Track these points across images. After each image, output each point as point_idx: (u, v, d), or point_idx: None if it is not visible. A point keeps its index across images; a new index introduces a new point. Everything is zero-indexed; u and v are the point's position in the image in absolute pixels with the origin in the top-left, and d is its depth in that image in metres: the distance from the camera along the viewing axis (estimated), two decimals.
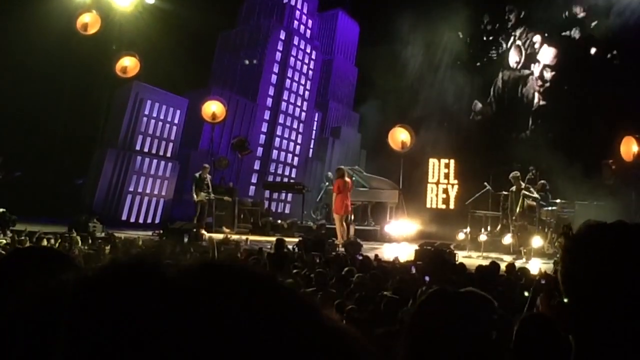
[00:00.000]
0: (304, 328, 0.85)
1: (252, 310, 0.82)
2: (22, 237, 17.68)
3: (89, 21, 30.19)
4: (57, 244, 17.12)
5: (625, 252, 2.10)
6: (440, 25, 41.05)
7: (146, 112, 32.29)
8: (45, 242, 16.91)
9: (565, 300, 2.21)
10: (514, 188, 24.31)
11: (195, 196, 27.70)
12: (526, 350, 3.90)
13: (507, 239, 24.70)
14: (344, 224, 25.59)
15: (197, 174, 28.18)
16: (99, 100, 31.89)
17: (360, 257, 17.91)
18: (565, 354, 2.61)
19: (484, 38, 43.23)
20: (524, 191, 23.95)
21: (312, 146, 46.46)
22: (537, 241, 23.07)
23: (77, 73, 30.19)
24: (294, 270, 13.98)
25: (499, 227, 26.95)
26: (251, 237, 26.18)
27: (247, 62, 41.34)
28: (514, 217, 24.34)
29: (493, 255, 22.98)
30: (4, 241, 17.27)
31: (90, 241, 19.29)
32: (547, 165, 29.63)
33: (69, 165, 31.48)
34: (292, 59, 43.52)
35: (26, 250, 3.24)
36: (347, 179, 26.23)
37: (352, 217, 28.22)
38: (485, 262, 17.47)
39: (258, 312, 0.82)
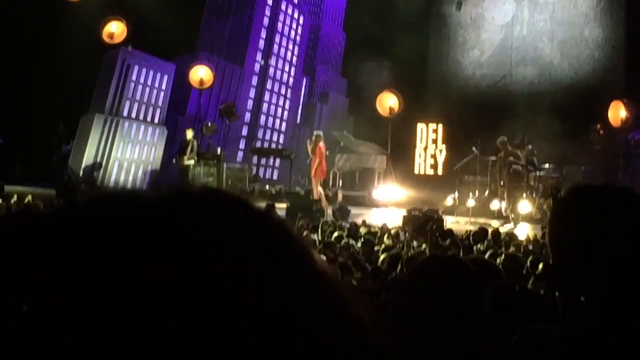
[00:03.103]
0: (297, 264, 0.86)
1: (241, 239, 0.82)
2: (11, 202, 17.64)
3: None
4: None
5: (611, 213, 2.11)
6: None
7: (133, 78, 32.13)
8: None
9: (552, 260, 2.23)
10: (501, 153, 24.32)
11: (177, 160, 27.78)
12: (499, 319, 3.92)
13: (495, 205, 24.78)
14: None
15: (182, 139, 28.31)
16: (85, 66, 31.71)
17: (348, 225, 17.94)
18: (538, 321, 2.63)
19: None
20: (510, 156, 23.97)
21: (300, 112, 46.40)
22: (525, 206, 23.14)
23: (64, 39, 29.99)
24: None
25: (487, 192, 26.98)
26: None
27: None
28: (501, 183, 24.38)
29: (481, 220, 23.04)
30: None
31: None
32: (535, 129, 29.66)
33: (57, 131, 31.34)
34: (279, 24, 43.37)
35: (19, 214, 3.21)
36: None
37: (341, 183, 28.39)
38: (474, 228, 17.54)
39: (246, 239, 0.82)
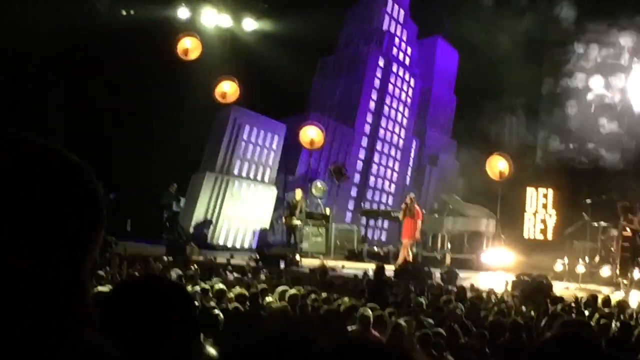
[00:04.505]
0: None
1: None
2: (123, 261, 17.95)
3: (189, 46, 30.55)
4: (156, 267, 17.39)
5: None
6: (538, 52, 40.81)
7: (245, 137, 32.40)
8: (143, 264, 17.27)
9: None
10: (622, 219, 23.98)
11: (285, 220, 28.05)
12: None
13: (606, 271, 24.34)
14: None
15: (289, 199, 28.50)
16: (198, 124, 32.07)
17: (455, 289, 17.80)
18: None
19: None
20: (625, 222, 23.62)
21: (409, 174, 46.27)
22: (637, 273, 22.67)
23: (177, 98, 30.39)
24: (391, 299, 14.00)
25: (597, 258, 26.53)
26: (347, 264, 26.21)
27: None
28: (613, 248, 24.03)
29: (591, 286, 22.64)
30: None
31: (186, 264, 19.45)
32: None
33: (170, 189, 31.59)
34: (390, 86, 43.41)
35: (141, 281, 3.29)
36: None
37: (449, 246, 28.46)
38: (584, 294, 17.28)
39: None
